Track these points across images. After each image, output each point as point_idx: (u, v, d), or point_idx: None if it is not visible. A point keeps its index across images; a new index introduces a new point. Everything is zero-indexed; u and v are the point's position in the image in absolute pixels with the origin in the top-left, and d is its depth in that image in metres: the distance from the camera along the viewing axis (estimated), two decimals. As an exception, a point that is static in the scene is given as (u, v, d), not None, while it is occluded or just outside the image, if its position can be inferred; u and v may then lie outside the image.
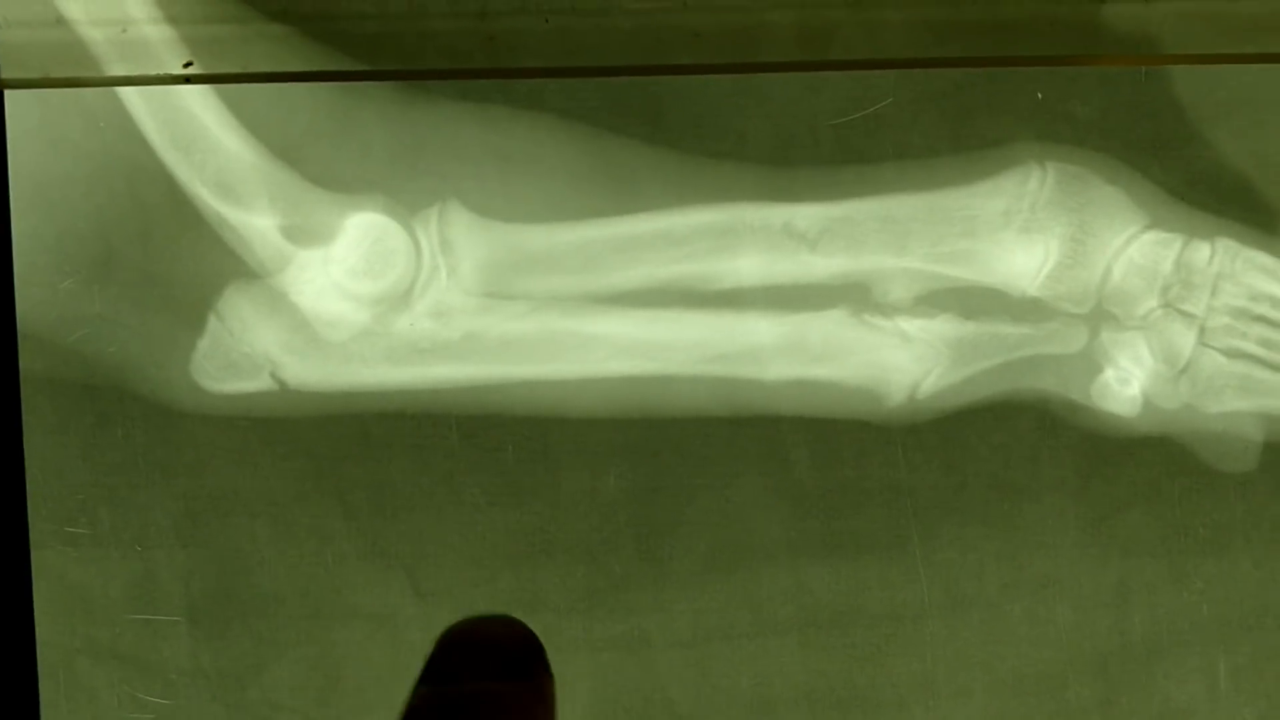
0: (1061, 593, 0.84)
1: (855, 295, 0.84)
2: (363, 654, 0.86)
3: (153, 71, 0.85)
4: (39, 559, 0.84)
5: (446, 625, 0.84)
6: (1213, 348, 0.84)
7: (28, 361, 0.84)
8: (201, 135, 0.86)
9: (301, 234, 0.86)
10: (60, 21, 0.84)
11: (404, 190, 0.85)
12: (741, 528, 0.85)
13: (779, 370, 0.83)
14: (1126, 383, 0.84)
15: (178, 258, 0.87)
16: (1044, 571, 0.83)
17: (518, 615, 0.82)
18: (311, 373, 0.86)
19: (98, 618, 0.84)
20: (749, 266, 0.84)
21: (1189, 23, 0.84)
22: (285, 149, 0.86)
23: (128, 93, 0.85)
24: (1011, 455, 0.84)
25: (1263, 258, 0.84)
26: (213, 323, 0.87)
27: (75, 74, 0.86)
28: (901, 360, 0.85)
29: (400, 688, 0.83)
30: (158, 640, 0.86)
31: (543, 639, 0.81)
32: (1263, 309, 0.83)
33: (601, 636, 0.85)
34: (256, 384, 0.86)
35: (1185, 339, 0.84)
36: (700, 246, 0.85)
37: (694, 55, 0.83)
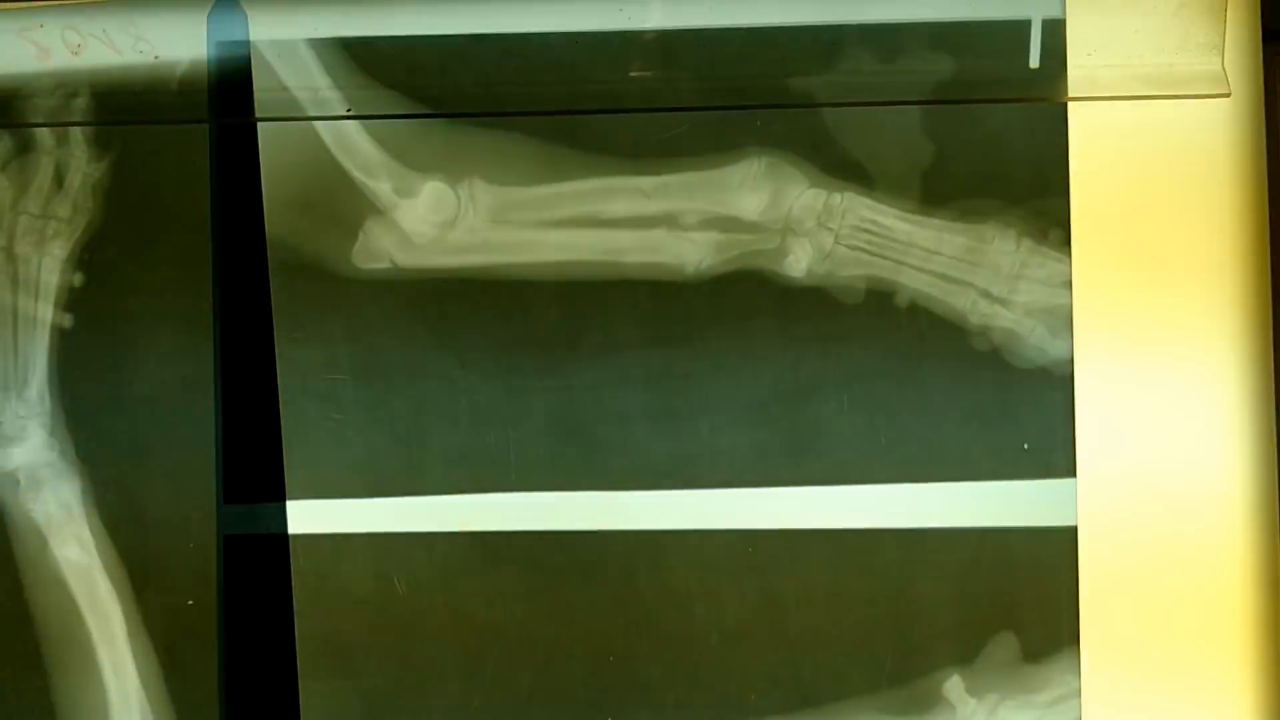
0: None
1: (669, 221, 1.42)
2: (437, 397, 1.42)
3: (329, 113, 1.45)
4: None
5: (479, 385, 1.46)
6: (842, 244, 1.41)
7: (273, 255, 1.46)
8: (354, 144, 1.44)
9: (403, 191, 1.43)
10: (284, 89, 1.45)
11: (453, 171, 1.43)
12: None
13: (636, 257, 1.43)
14: (800, 261, 1.41)
15: (343, 205, 1.43)
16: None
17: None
18: (409, 260, 1.43)
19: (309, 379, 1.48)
20: (617, 207, 1.43)
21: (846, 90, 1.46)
22: (396, 151, 1.43)
23: (317, 124, 1.44)
24: (743, 301, 1.41)
25: (866, 199, 1.41)
26: (360, 236, 1.44)
27: (310, 114, 1.44)
28: (687, 251, 1.42)
29: (445, 411, 1.48)
30: (339, 397, 1.44)
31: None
32: (867, 225, 1.41)
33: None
34: (384, 265, 1.43)
35: (828, 239, 1.41)
36: (595, 195, 1.43)
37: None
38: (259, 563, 1.48)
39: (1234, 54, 1.43)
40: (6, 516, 1.50)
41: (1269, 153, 1.43)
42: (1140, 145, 1.44)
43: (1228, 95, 1.43)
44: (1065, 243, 1.45)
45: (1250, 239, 1.42)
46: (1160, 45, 1.44)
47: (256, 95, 1.48)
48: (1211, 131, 1.43)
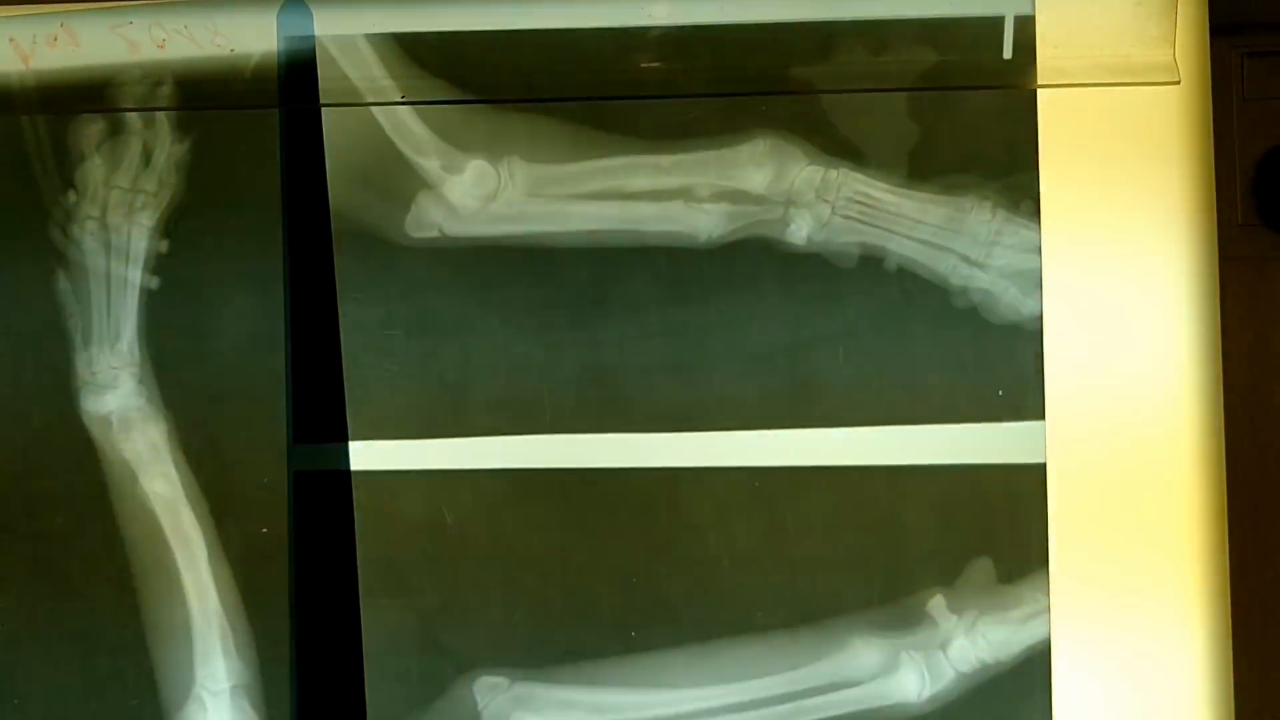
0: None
1: (684, 194, 1.44)
2: (480, 350, 1.46)
3: (385, 99, 1.50)
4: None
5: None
6: (838, 215, 1.46)
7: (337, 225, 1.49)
8: (406, 125, 1.50)
9: (450, 168, 1.48)
10: (345, 78, 1.48)
11: (494, 150, 1.49)
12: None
13: (655, 226, 1.44)
14: (800, 230, 1.44)
15: (397, 181, 1.49)
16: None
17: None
18: (456, 229, 1.49)
19: (364, 338, 1.50)
20: (639, 182, 1.46)
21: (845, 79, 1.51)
22: (444, 132, 1.49)
23: (374, 109, 1.48)
24: (750, 265, 1.44)
25: (859, 175, 1.43)
26: (413, 207, 1.49)
27: (368, 100, 1.49)
28: (700, 221, 1.45)
29: (487, 362, 1.54)
30: (394, 350, 1.48)
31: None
32: (859, 198, 1.43)
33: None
34: (433, 234, 1.49)
35: (825, 210, 1.46)
36: (619, 172, 1.45)
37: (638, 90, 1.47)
38: (325, 496, 1.52)
39: (1184, 46, 1.52)
40: (101, 455, 1.58)
41: (1215, 132, 1.52)
42: (1101, 127, 1.51)
43: (1178, 83, 1.51)
44: (1035, 213, 1.49)
45: (1196, 207, 1.52)
46: (1118, 38, 1.51)
47: (321, 84, 1.52)
48: (1164, 114, 1.52)
